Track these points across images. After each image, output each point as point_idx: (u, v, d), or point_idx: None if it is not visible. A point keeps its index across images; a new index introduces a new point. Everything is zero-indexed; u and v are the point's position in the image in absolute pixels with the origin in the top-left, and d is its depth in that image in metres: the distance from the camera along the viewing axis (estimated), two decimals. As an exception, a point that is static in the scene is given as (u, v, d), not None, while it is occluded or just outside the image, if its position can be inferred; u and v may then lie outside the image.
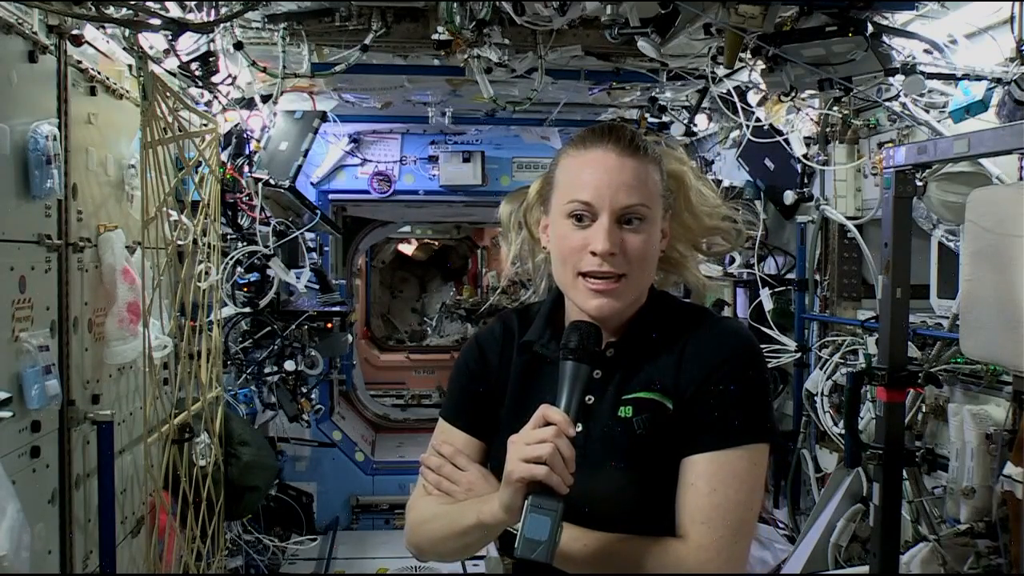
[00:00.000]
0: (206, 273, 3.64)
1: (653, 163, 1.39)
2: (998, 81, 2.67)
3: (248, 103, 4.26)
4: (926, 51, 2.91)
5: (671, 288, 1.56)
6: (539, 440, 1.21)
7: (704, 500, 1.30)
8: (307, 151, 4.67)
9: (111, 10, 2.49)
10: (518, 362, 1.47)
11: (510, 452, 1.24)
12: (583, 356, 1.30)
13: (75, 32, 2.54)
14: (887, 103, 3.25)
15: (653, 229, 1.37)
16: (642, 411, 1.36)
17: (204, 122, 3.81)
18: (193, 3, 2.82)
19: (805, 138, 4.03)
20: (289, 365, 4.83)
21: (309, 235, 5.01)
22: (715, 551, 1.29)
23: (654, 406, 1.36)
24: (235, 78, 3.64)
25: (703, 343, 1.38)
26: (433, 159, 6.13)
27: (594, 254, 1.33)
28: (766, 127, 4.07)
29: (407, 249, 11.44)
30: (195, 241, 3.50)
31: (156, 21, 2.65)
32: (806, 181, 4.18)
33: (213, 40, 3.22)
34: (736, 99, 3.91)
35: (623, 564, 1.30)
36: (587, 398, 1.35)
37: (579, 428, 1.29)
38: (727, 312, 4.77)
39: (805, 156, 4.00)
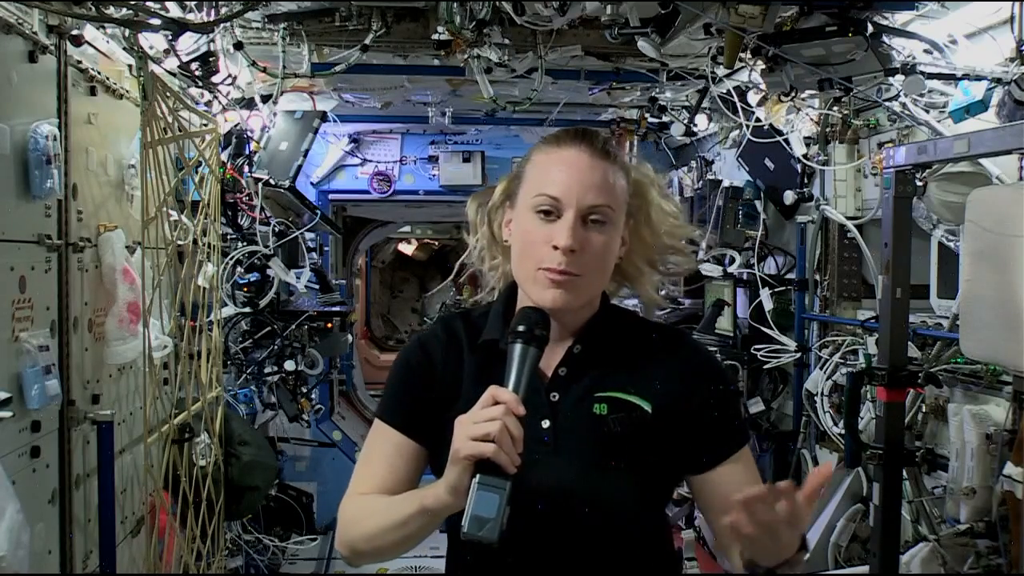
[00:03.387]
0: (205, 271, 3.64)
1: (621, 170, 1.42)
2: (998, 81, 2.67)
3: (248, 103, 4.25)
4: (926, 51, 2.90)
5: (618, 300, 1.58)
6: (488, 418, 1.21)
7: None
8: (307, 151, 4.67)
9: (111, 10, 2.49)
10: (472, 362, 1.46)
11: (457, 431, 1.23)
12: (530, 339, 1.31)
13: (75, 32, 2.54)
14: (887, 103, 3.25)
15: (615, 233, 1.40)
16: (617, 411, 1.38)
17: (204, 122, 3.81)
18: (193, 3, 2.82)
19: (805, 138, 4.03)
20: (289, 365, 4.82)
21: (309, 235, 5.01)
22: None
23: (630, 407, 1.39)
24: (235, 78, 3.64)
25: (681, 355, 1.46)
26: (433, 159, 6.12)
27: (556, 248, 1.34)
28: (766, 127, 4.07)
29: (407, 249, 11.44)
30: (195, 241, 3.50)
31: (156, 21, 2.64)
32: (806, 181, 4.18)
33: (213, 40, 3.22)
34: (736, 99, 3.91)
35: None
36: (552, 395, 1.37)
37: (546, 425, 1.31)
38: (727, 312, 4.77)
39: (805, 156, 4.00)
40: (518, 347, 1.30)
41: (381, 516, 1.36)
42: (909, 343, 2.99)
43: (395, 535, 1.35)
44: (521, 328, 1.32)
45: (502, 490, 1.19)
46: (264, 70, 3.46)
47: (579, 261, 1.35)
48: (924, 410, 3.20)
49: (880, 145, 3.59)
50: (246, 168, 4.58)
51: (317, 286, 5.12)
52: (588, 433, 1.37)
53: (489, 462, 1.19)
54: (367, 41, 3.29)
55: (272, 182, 4.52)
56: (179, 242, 3.36)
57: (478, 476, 1.20)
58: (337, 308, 5.11)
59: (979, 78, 2.71)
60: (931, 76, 2.86)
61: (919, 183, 2.96)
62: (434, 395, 1.45)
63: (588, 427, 1.37)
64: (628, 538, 1.41)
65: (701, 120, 4.86)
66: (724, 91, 3.86)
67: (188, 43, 3.17)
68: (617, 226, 1.40)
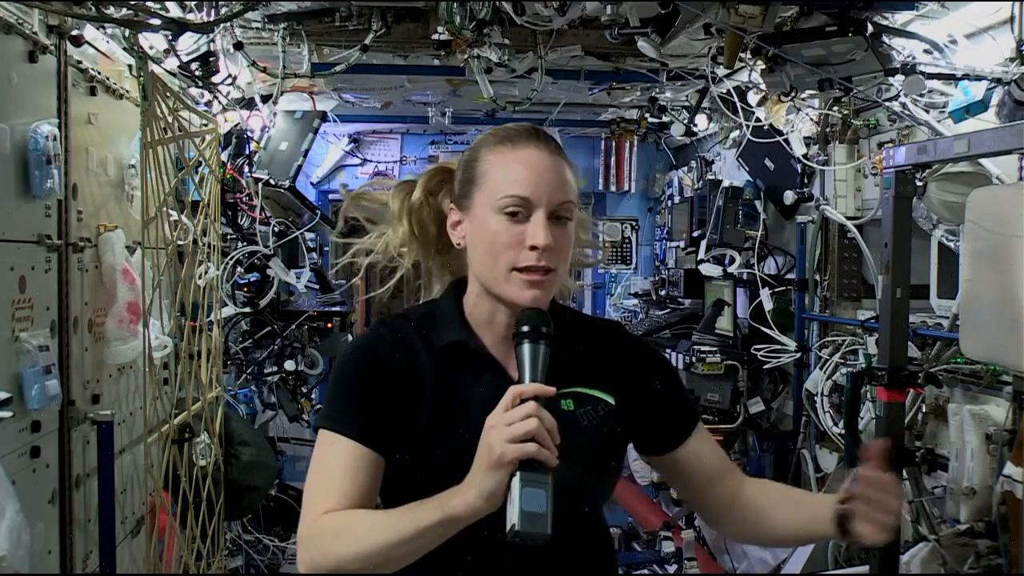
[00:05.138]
0: (205, 271, 3.64)
1: (571, 166, 1.44)
2: (998, 81, 2.67)
3: (248, 103, 4.25)
4: (926, 51, 2.90)
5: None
6: (523, 416, 1.19)
7: (723, 459, 1.58)
8: (307, 151, 4.67)
9: (111, 10, 2.49)
10: (431, 365, 1.42)
11: (491, 436, 1.20)
12: (538, 336, 1.31)
13: (75, 32, 2.54)
14: (887, 103, 3.25)
15: (573, 227, 1.42)
16: (584, 405, 1.42)
17: (204, 122, 3.81)
18: (193, 3, 2.82)
19: (805, 138, 4.03)
20: (289, 365, 4.82)
21: (309, 235, 5.01)
22: None
23: (594, 400, 1.43)
24: (235, 78, 3.64)
25: (624, 345, 1.53)
26: (433, 159, 6.12)
27: (533, 248, 1.34)
28: (766, 127, 4.07)
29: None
30: (195, 241, 3.50)
31: (156, 21, 2.65)
32: (806, 181, 4.18)
33: (213, 40, 3.22)
34: (736, 99, 3.91)
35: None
36: None
37: None
38: (727, 312, 4.77)
39: (805, 156, 4.00)
40: (527, 347, 1.30)
41: (384, 531, 1.26)
42: (909, 343, 2.99)
43: (403, 550, 1.26)
44: (526, 328, 1.31)
45: (547, 484, 1.17)
46: (264, 70, 3.47)
47: (552, 257, 1.36)
48: (924, 410, 3.20)
49: (880, 145, 3.59)
50: (246, 168, 4.58)
51: (317, 286, 5.13)
52: (562, 430, 1.33)
53: (531, 459, 1.18)
54: (367, 41, 3.29)
55: (272, 182, 4.53)
56: (179, 242, 3.36)
57: (519, 473, 1.18)
58: (337, 308, 5.11)
59: (979, 78, 2.71)
60: (931, 76, 2.86)
61: (919, 183, 2.95)
62: (390, 400, 1.38)
63: (561, 424, 1.34)
64: (598, 524, 1.50)
65: (701, 120, 4.86)
66: (724, 91, 3.86)
67: (188, 43, 3.17)
68: (574, 220, 1.42)
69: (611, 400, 1.44)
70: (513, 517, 1.16)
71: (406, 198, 1.53)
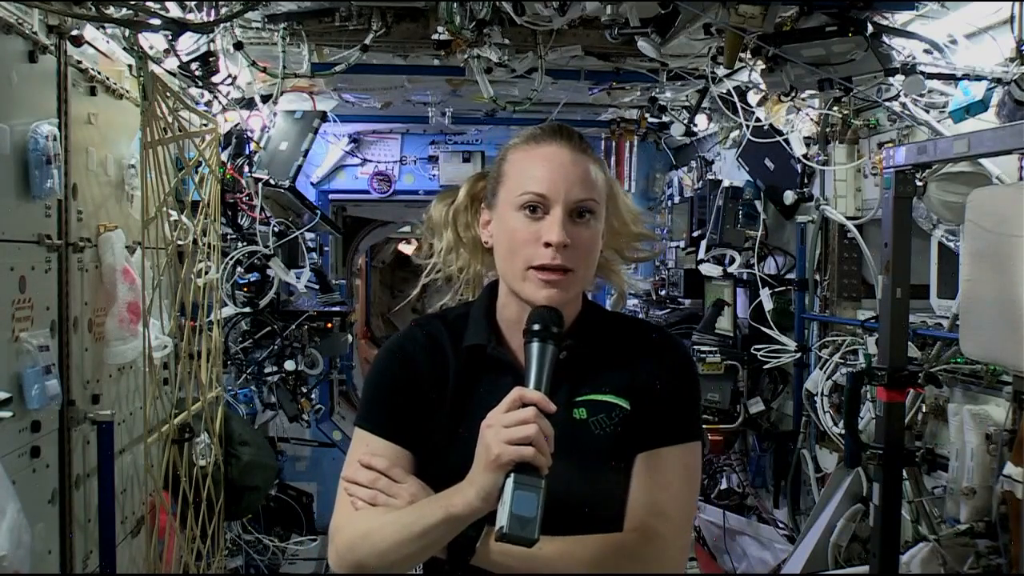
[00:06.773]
0: (205, 271, 3.64)
1: (598, 164, 1.43)
2: (998, 81, 2.67)
3: (248, 103, 4.26)
4: (926, 51, 2.91)
5: (591, 291, 1.58)
6: (521, 421, 1.20)
7: (662, 492, 1.37)
8: (307, 151, 4.67)
9: (111, 10, 2.49)
10: (456, 366, 1.44)
11: (488, 436, 1.21)
12: (547, 337, 1.30)
13: (75, 32, 2.54)
14: (887, 103, 3.25)
15: (599, 226, 1.40)
16: (597, 412, 1.39)
17: (204, 122, 3.81)
18: (193, 3, 2.82)
19: (805, 138, 4.03)
20: (289, 365, 4.83)
21: (309, 235, 5.01)
22: (671, 539, 1.36)
23: (609, 407, 1.39)
24: (235, 78, 3.64)
25: (654, 348, 1.45)
26: (433, 159, 6.13)
27: (548, 245, 1.33)
28: (766, 127, 4.07)
29: (407, 249, 11.43)
30: (195, 241, 3.50)
31: (156, 21, 2.65)
32: (806, 181, 4.18)
33: (213, 40, 3.22)
34: (736, 99, 3.91)
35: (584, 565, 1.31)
36: None
37: None
38: (727, 312, 4.77)
39: (805, 156, 4.00)
40: (536, 346, 1.30)
41: (395, 529, 1.30)
42: (909, 343, 2.99)
43: (413, 547, 1.29)
44: (537, 327, 1.31)
45: (539, 489, 1.18)
46: (264, 70, 3.46)
47: (570, 256, 1.34)
48: (924, 410, 3.20)
49: (880, 145, 3.59)
50: (246, 168, 4.58)
51: (317, 286, 5.13)
52: (573, 440, 1.35)
53: (526, 463, 1.19)
54: (367, 41, 3.29)
55: (272, 182, 4.53)
56: (179, 242, 3.36)
57: (513, 476, 1.19)
58: (337, 308, 5.11)
59: (979, 78, 2.71)
60: (931, 76, 2.87)
61: (919, 183, 2.96)
62: (420, 401, 1.42)
63: (572, 434, 1.35)
64: (617, 529, 1.42)
65: (701, 120, 4.86)
66: (724, 91, 3.86)
67: (188, 43, 3.17)
68: (600, 219, 1.40)
69: (626, 405, 1.40)
70: (502, 519, 1.17)
71: (448, 206, 1.54)
